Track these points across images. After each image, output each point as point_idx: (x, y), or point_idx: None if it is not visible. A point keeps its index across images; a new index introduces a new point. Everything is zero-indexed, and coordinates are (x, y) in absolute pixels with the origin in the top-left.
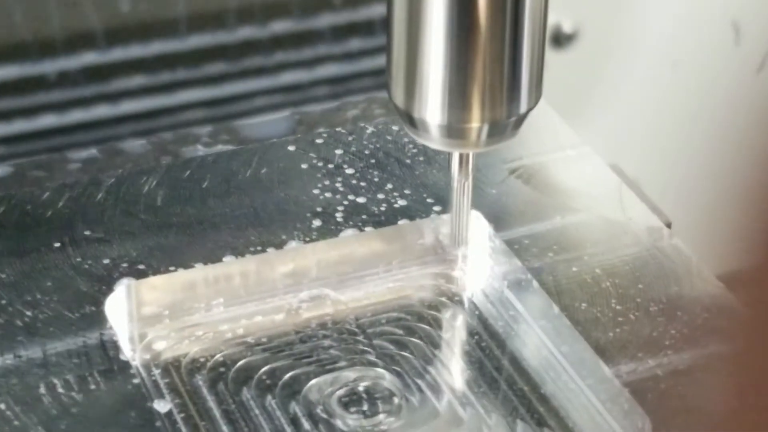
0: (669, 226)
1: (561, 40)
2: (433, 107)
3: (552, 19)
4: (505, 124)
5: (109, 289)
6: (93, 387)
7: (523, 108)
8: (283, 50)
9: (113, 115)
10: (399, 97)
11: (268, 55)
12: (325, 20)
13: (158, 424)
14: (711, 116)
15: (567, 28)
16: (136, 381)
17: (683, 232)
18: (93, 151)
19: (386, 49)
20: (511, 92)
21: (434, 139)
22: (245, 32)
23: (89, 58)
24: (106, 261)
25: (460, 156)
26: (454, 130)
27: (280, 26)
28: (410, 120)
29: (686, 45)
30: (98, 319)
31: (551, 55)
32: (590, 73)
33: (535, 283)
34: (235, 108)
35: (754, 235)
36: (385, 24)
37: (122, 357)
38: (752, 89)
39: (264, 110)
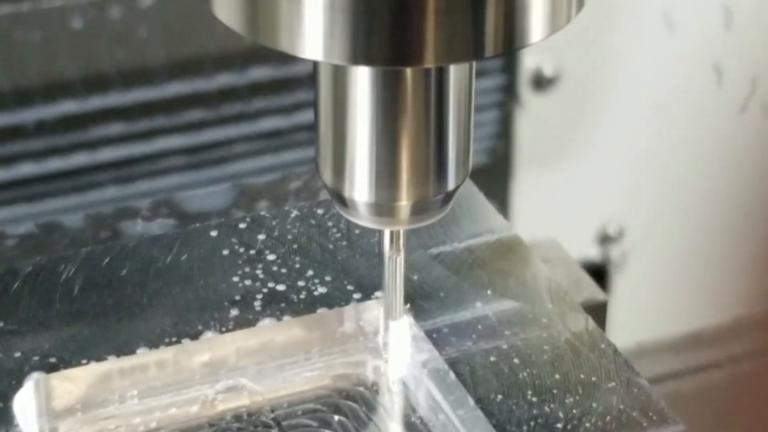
0: (605, 304)
1: (542, 83)
2: (360, 186)
3: (533, 63)
4: (433, 201)
5: (19, 384)
6: None
7: (450, 185)
8: (262, 97)
9: (92, 163)
10: (327, 176)
11: (246, 101)
12: (303, 66)
13: None
14: (694, 158)
15: (548, 71)
16: None
17: (666, 274)
18: (30, 226)
19: (314, 127)
20: (438, 170)
21: (363, 217)
22: (224, 79)
23: (67, 106)
24: (17, 354)
25: (391, 233)
26: (383, 208)
27: (258, 73)
28: (339, 198)
29: (668, 87)
30: (5, 416)
31: (532, 99)
32: (572, 117)
33: (451, 374)
34: (215, 155)
35: (747, 280)
36: (312, 103)
37: None
38: (735, 131)
39: (244, 156)
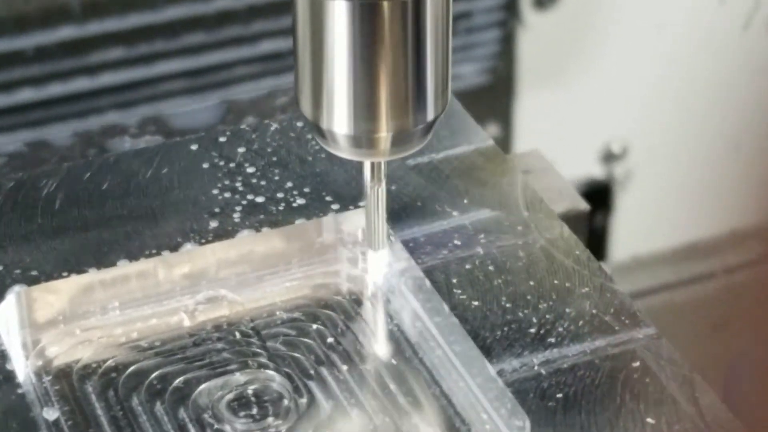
0: (587, 213)
1: (543, 1)
2: (340, 118)
3: None
4: (412, 132)
5: (1, 297)
6: None
7: (430, 116)
8: (261, 19)
9: (92, 88)
10: (307, 108)
11: (246, 24)
12: None
13: None
14: (697, 75)
15: None
16: (20, 391)
17: (668, 189)
18: (19, 145)
19: (293, 59)
20: (417, 101)
21: (343, 149)
22: (222, 2)
23: (66, 32)
24: None
25: (372, 164)
26: (363, 140)
27: None
28: (319, 131)
29: (670, 5)
30: None
31: (534, 18)
32: (573, 35)
33: (428, 283)
34: (215, 78)
35: (744, 192)
36: (291, 36)
37: (8, 366)
38: (738, 48)
39: (243, 79)
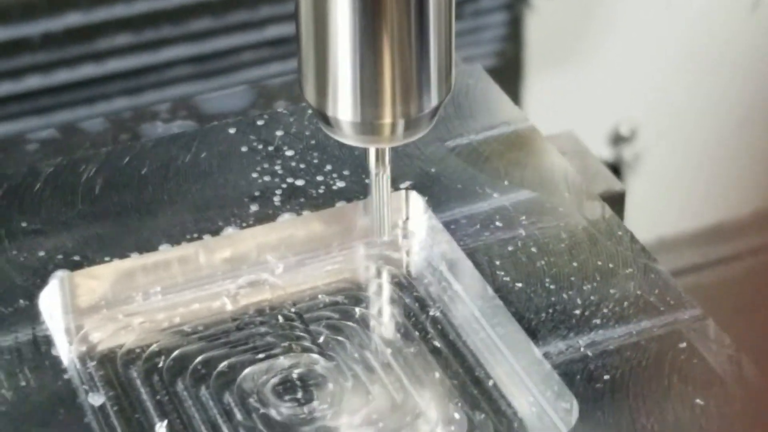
0: (623, 194)
1: None
2: (344, 105)
3: None
4: (417, 118)
5: (44, 282)
6: (23, 383)
7: (434, 101)
8: (269, 4)
9: (100, 74)
10: (311, 95)
11: (253, 9)
12: None
13: (90, 417)
14: (705, 57)
15: None
16: (66, 376)
17: (682, 171)
18: (52, 131)
19: (296, 47)
20: (421, 87)
21: (348, 136)
22: None
23: (73, 18)
24: (41, 253)
25: (376, 150)
26: (367, 126)
27: None
28: (323, 118)
29: None
30: (32, 314)
31: (541, 1)
32: (581, 18)
33: (469, 264)
34: (222, 63)
35: (757, 173)
36: (294, 23)
37: (53, 352)
38: (746, 29)
39: (251, 64)
